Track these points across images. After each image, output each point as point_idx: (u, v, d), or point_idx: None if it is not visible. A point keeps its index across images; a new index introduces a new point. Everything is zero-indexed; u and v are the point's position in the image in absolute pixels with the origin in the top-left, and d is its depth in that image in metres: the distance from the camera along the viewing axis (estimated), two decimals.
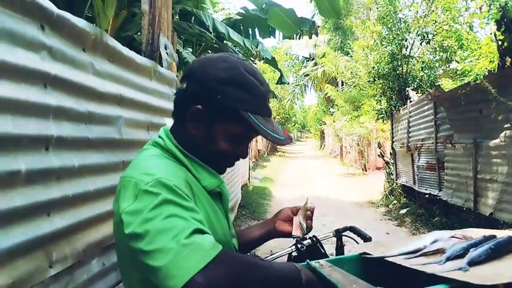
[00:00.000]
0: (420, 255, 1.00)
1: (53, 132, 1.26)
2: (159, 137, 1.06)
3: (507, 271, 0.80)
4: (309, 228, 1.28)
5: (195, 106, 0.98)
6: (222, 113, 0.98)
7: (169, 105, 2.54)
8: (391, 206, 8.69)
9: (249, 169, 11.72)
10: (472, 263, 0.86)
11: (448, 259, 0.92)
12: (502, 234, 1.06)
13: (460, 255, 0.92)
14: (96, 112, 1.57)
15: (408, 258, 0.99)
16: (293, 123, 36.34)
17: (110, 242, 1.60)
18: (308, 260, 1.16)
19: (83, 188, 1.43)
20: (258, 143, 21.00)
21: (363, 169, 16.09)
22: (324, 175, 16.03)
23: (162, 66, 2.59)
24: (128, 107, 1.88)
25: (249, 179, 11.45)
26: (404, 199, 8.53)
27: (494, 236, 1.01)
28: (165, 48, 2.67)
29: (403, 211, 7.92)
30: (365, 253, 1.14)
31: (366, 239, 1.81)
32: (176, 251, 0.75)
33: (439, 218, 6.59)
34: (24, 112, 1.14)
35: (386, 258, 1.03)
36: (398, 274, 0.98)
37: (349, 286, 0.86)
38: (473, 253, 0.90)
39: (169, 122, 2.45)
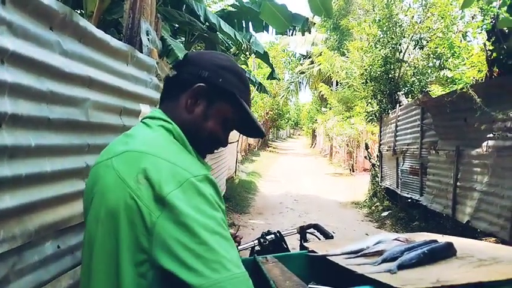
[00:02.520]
0: (361, 256, 1.00)
1: (7, 109, 1.23)
2: (160, 118, 1.03)
3: (431, 276, 0.80)
4: None
5: (199, 84, 1.03)
6: (221, 95, 1.05)
7: (146, 92, 2.51)
8: (373, 207, 8.76)
9: (236, 162, 11.72)
10: (402, 266, 0.86)
11: (384, 261, 0.92)
12: (443, 239, 1.06)
13: (395, 258, 0.92)
14: (60, 92, 1.54)
15: (348, 258, 0.99)
16: (286, 120, 36.34)
17: (66, 224, 1.59)
18: (256, 255, 1.16)
19: (39, 168, 1.40)
20: (249, 138, 20.98)
21: (350, 170, 16.18)
22: (312, 173, 16.09)
23: (142, 52, 2.56)
24: (98, 90, 1.85)
25: (235, 172, 11.45)
26: (387, 202, 8.60)
27: (435, 241, 1.01)
28: (147, 34, 2.64)
29: (385, 213, 7.99)
30: (312, 251, 1.14)
31: (329, 237, 1.81)
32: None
33: (418, 223, 6.66)
34: None
35: (327, 257, 1.03)
36: (341, 272, 0.97)
37: (283, 282, 0.86)
38: (405, 256, 0.90)
39: (144, 108, 2.44)
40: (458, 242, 1.05)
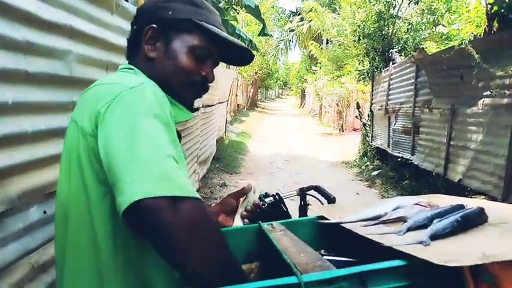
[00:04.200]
0: (379, 223, 0.90)
1: None
2: (125, 69, 0.98)
3: (472, 249, 0.71)
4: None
5: (149, 25, 0.95)
6: (176, 26, 0.96)
7: None
8: (363, 167, 8.80)
9: (226, 122, 11.58)
10: (435, 237, 0.76)
11: (409, 229, 0.83)
12: (469, 203, 0.97)
13: (422, 226, 0.83)
14: (38, 43, 1.37)
15: (366, 226, 0.90)
16: (275, 80, 35.89)
17: (52, 188, 1.47)
18: (260, 222, 1.06)
19: (18, 127, 1.26)
20: (238, 98, 20.71)
21: (340, 129, 16.19)
22: (302, 133, 16.07)
23: (127, 1, 2.35)
24: (81, 41, 1.67)
25: (225, 132, 11.34)
26: (377, 161, 8.63)
27: (462, 206, 0.91)
28: None
29: (375, 173, 8.03)
30: (322, 217, 1.05)
31: (330, 199, 1.73)
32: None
33: (409, 182, 6.70)
34: None
35: (342, 225, 0.93)
36: (356, 240, 0.88)
37: (297, 255, 0.76)
38: (437, 225, 0.80)
39: None
40: (484, 206, 0.96)
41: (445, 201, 1.04)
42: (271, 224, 1.03)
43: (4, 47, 1.20)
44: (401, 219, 0.89)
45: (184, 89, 0.97)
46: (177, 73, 0.95)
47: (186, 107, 0.99)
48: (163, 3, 0.97)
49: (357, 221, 0.92)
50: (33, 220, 1.36)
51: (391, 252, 0.75)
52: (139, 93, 0.78)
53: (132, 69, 0.95)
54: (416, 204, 0.97)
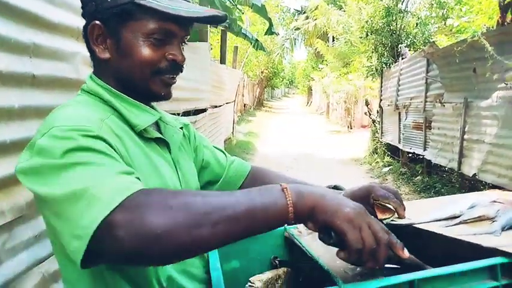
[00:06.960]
0: (460, 223, 0.83)
1: None
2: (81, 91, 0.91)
3: None
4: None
5: (92, 23, 0.84)
6: (120, 16, 0.82)
7: None
8: (374, 164, 8.70)
9: (233, 123, 11.54)
10: None
11: (503, 229, 0.76)
12: None
13: None
14: (46, 45, 1.33)
15: (447, 226, 0.82)
16: (281, 79, 35.80)
17: None
18: (286, 225, 1.00)
19: (26, 132, 1.22)
20: (244, 98, 20.67)
21: (348, 127, 16.07)
22: (310, 131, 15.97)
23: None
24: None
25: (232, 132, 11.30)
26: (388, 158, 8.53)
27: None
28: None
29: (386, 169, 7.93)
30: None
31: None
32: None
33: (421, 177, 6.60)
34: None
35: (416, 225, 0.83)
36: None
37: (332, 262, 0.70)
38: None
39: None
40: None
41: None
42: (297, 228, 0.97)
43: (10, 50, 1.15)
44: (483, 218, 0.83)
45: (151, 81, 0.86)
46: (138, 68, 0.84)
47: (160, 99, 0.91)
48: None
49: (431, 221, 0.84)
50: (43, 228, 1.31)
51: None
52: (65, 134, 0.70)
53: (83, 91, 0.89)
54: (494, 201, 0.90)
